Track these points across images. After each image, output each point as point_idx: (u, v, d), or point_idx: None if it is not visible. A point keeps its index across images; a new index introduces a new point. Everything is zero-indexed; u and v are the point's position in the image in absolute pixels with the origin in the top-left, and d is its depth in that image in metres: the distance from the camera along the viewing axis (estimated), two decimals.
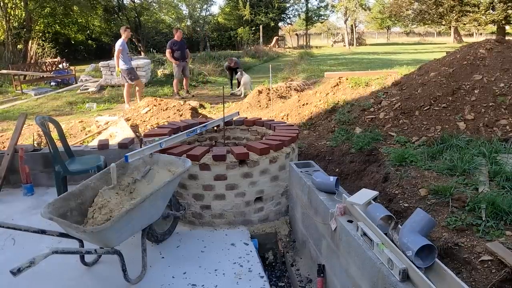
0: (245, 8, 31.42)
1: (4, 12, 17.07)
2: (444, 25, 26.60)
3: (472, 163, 3.15)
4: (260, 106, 7.90)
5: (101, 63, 12.47)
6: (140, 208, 2.33)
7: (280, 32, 37.74)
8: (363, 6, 34.79)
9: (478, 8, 20.84)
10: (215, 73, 15.08)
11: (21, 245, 2.89)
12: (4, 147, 5.19)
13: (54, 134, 3.72)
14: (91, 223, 2.42)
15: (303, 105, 6.19)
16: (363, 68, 11.98)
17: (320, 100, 6.08)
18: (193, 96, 10.13)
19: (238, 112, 4.28)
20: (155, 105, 6.63)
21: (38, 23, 21.94)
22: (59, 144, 3.53)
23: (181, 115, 6.27)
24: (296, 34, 40.15)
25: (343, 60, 18.37)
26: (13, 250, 2.85)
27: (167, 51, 9.68)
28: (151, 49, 23.78)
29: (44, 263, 1.96)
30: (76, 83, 13.12)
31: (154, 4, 31.05)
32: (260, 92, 8.37)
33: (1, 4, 16.90)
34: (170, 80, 13.20)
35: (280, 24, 37.32)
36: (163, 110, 6.46)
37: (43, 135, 5.64)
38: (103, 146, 3.99)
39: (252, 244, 2.94)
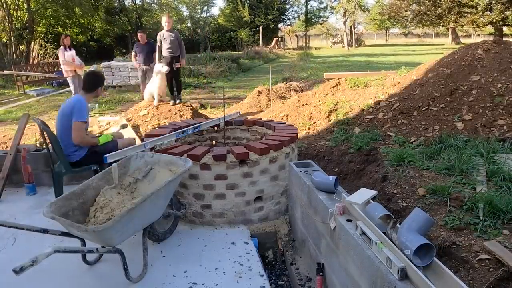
0: (244, 10, 31.49)
1: (6, 13, 17.13)
2: (442, 26, 26.65)
3: (470, 163, 3.17)
4: (260, 106, 7.95)
5: (102, 64, 12.51)
6: (141, 208, 2.34)
7: (280, 33, 37.82)
8: (362, 8, 34.90)
9: (476, 10, 20.87)
10: (216, 73, 15.13)
11: (23, 244, 2.92)
12: (6, 147, 5.22)
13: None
14: (93, 222, 2.43)
15: (303, 105, 6.22)
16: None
17: (319, 101, 6.10)
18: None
19: (239, 112, 4.31)
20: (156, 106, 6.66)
21: (40, 25, 22.01)
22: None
23: (181, 116, 6.29)
24: (296, 35, 40.23)
25: (342, 63, 18.38)
26: (16, 249, 2.87)
27: (132, 54, 9.06)
28: None
29: (46, 261, 1.97)
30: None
31: (155, 6, 31.14)
32: (260, 92, 8.41)
33: (4, 5, 16.97)
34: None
35: (279, 25, 37.43)
36: (164, 111, 6.49)
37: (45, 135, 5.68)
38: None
39: (252, 243, 2.96)
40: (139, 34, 8.94)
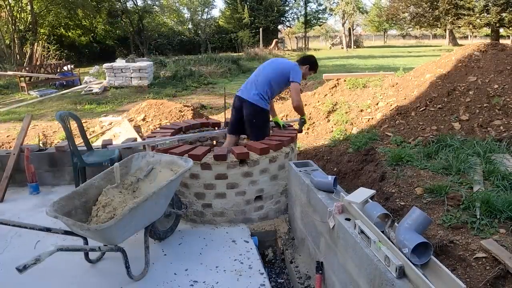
0: (244, 12, 31.56)
1: (10, 15, 17.19)
2: (439, 27, 26.74)
3: (467, 163, 3.20)
4: None
5: (104, 65, 12.55)
6: (142, 207, 2.37)
7: (280, 35, 37.88)
8: (361, 10, 35.00)
9: (473, 11, 20.96)
10: (216, 74, 15.19)
11: (26, 242, 2.94)
12: (10, 147, 5.26)
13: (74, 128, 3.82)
14: (95, 221, 2.45)
15: None
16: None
17: (318, 101, 6.14)
18: None
19: None
20: (157, 106, 6.70)
21: (43, 26, 22.06)
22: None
23: (182, 116, 6.33)
24: (295, 37, 40.29)
25: (340, 66, 18.40)
26: (19, 247, 2.90)
27: None
28: (154, 51, 24.00)
29: (50, 260, 1.99)
30: (80, 84, 13.23)
31: (156, 8, 31.20)
32: None
33: (8, 7, 17.03)
34: (171, 81, 13.27)
35: (279, 27, 37.49)
36: (165, 112, 6.52)
37: (49, 134, 5.71)
38: (107, 146, 4.05)
39: (252, 242, 2.99)
40: None
